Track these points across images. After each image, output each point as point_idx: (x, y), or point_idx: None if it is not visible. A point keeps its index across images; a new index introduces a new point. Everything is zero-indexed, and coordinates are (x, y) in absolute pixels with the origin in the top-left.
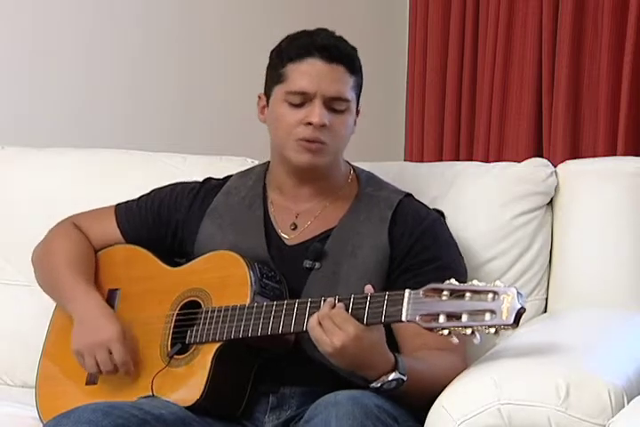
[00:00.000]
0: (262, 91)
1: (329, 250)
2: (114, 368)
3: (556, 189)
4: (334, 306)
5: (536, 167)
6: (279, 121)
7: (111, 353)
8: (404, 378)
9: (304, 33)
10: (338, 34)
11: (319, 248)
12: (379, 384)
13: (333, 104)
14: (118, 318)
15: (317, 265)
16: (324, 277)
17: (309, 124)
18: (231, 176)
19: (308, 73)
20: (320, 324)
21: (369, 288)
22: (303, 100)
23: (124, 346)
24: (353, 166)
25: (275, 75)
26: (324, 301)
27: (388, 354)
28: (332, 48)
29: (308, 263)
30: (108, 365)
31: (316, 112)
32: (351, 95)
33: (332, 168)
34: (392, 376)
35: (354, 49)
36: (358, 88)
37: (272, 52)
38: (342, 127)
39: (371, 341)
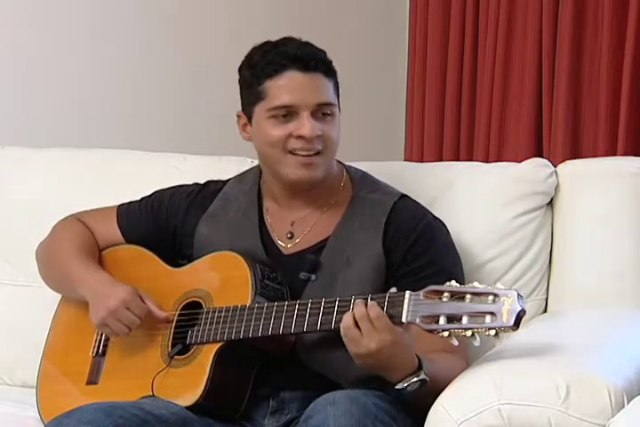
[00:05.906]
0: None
1: (324, 261)
2: (139, 323)
3: (556, 189)
4: (366, 305)
5: (536, 167)
6: (268, 138)
7: (130, 310)
8: (427, 379)
9: (271, 45)
10: (304, 40)
11: (314, 260)
12: (405, 385)
13: (321, 111)
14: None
15: (313, 277)
16: (320, 288)
17: (300, 136)
18: (229, 180)
19: (288, 87)
20: (357, 325)
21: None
22: (288, 113)
23: (140, 301)
24: (346, 167)
25: (252, 93)
26: (328, 301)
27: (414, 356)
28: (307, 57)
29: (303, 275)
30: (135, 321)
31: (306, 125)
32: (334, 98)
33: (326, 174)
34: (417, 377)
35: (323, 52)
36: (337, 88)
37: (242, 70)
38: (333, 132)
39: (405, 345)
